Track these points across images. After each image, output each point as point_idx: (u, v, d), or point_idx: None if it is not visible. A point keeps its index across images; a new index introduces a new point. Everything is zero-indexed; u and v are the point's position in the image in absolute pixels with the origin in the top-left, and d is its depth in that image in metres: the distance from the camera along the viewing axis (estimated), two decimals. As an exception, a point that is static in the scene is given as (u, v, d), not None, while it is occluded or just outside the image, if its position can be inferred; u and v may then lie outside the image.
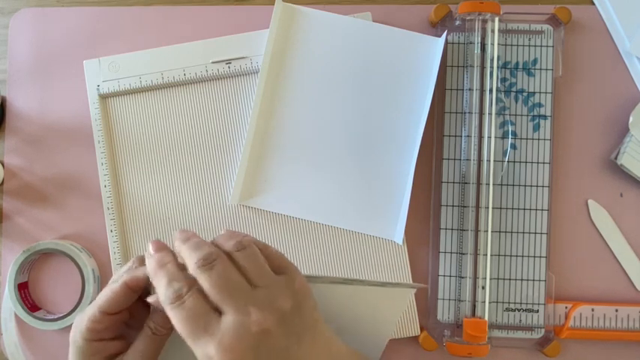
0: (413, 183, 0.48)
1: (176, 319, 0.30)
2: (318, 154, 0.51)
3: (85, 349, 0.34)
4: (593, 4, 0.52)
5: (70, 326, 0.44)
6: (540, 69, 0.50)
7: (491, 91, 0.50)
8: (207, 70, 0.52)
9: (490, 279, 0.49)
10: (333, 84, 0.51)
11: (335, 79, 0.51)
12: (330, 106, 0.51)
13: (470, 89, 0.50)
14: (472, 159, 0.50)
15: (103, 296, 0.34)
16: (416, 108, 0.50)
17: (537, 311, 0.49)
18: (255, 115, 0.50)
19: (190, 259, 0.32)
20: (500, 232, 0.50)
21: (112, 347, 0.35)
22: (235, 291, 0.31)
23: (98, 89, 0.52)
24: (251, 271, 0.32)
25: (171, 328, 0.33)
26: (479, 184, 0.50)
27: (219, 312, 0.30)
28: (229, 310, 0.30)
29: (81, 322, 0.34)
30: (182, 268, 0.32)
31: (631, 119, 0.50)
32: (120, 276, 0.35)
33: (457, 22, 0.50)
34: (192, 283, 0.31)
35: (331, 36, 0.51)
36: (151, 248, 0.34)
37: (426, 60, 0.50)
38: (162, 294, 0.31)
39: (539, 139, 0.50)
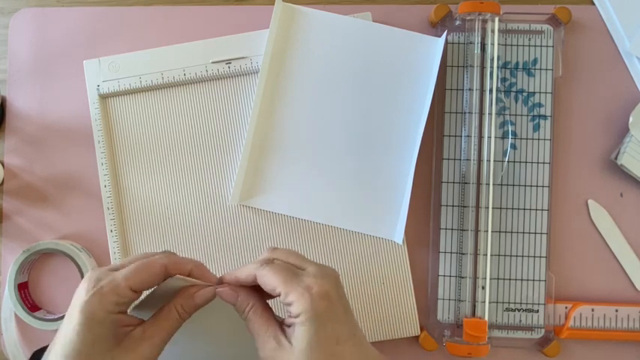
0: (413, 183, 0.48)
1: (271, 272, 0.35)
2: (318, 154, 0.51)
3: (107, 321, 0.34)
4: (593, 4, 0.52)
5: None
6: (540, 69, 0.50)
7: (491, 91, 0.50)
8: (207, 70, 0.52)
9: (490, 279, 0.49)
10: (333, 84, 0.51)
11: (335, 79, 0.51)
12: (330, 106, 0.51)
13: (470, 89, 0.50)
14: (472, 159, 0.50)
15: (137, 275, 0.35)
16: (416, 108, 0.50)
17: (537, 311, 0.49)
18: (255, 115, 0.50)
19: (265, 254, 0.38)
20: (500, 232, 0.50)
21: (126, 319, 0.36)
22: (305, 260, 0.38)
23: (98, 89, 0.52)
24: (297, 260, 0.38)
25: (190, 314, 0.37)
26: (479, 184, 0.50)
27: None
28: (309, 265, 0.37)
29: (106, 296, 0.34)
30: None
31: (631, 119, 0.50)
32: (145, 258, 0.36)
33: (457, 22, 0.50)
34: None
35: (331, 36, 0.51)
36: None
37: (426, 60, 0.50)
38: (253, 266, 0.36)
39: (539, 139, 0.50)
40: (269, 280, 0.35)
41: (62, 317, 0.50)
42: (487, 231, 0.49)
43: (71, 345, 0.33)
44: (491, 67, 0.50)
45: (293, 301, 0.34)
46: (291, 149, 0.51)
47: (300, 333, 0.34)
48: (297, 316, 0.34)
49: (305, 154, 0.51)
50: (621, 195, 0.51)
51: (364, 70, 0.51)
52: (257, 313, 0.37)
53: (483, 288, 0.49)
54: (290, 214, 0.51)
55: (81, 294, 0.34)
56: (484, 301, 0.49)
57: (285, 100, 0.51)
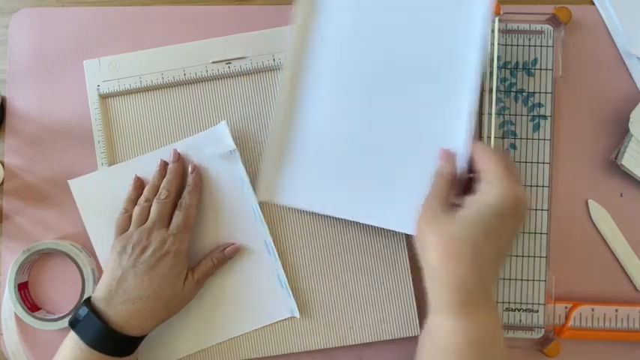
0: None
1: (505, 157, 0.41)
2: (350, 150, 0.49)
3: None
4: (593, 4, 0.52)
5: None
6: (540, 69, 0.50)
7: (491, 91, 0.50)
8: (207, 70, 0.52)
9: (490, 279, 0.49)
10: (366, 66, 0.48)
11: (368, 58, 0.48)
12: (363, 96, 0.49)
13: (470, 89, 0.50)
14: (472, 159, 0.50)
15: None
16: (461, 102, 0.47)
17: (537, 311, 0.49)
18: (281, 109, 0.49)
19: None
20: (500, 232, 0.50)
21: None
22: None
23: (98, 89, 0.52)
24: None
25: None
26: (479, 184, 0.50)
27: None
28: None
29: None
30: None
31: (631, 119, 0.50)
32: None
33: (457, 22, 0.50)
34: None
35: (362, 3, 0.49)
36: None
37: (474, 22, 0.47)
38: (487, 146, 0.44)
39: (539, 139, 0.50)
40: (498, 158, 0.40)
41: (62, 317, 0.50)
42: (487, 231, 0.49)
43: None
44: (491, 67, 0.50)
45: (491, 182, 0.39)
46: (316, 144, 0.49)
47: (473, 205, 0.39)
48: (479, 188, 0.39)
49: (329, 149, 0.49)
50: (621, 195, 0.51)
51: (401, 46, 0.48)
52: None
53: (483, 288, 0.49)
54: (309, 209, 0.50)
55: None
56: (484, 301, 0.49)
57: (312, 89, 0.49)
